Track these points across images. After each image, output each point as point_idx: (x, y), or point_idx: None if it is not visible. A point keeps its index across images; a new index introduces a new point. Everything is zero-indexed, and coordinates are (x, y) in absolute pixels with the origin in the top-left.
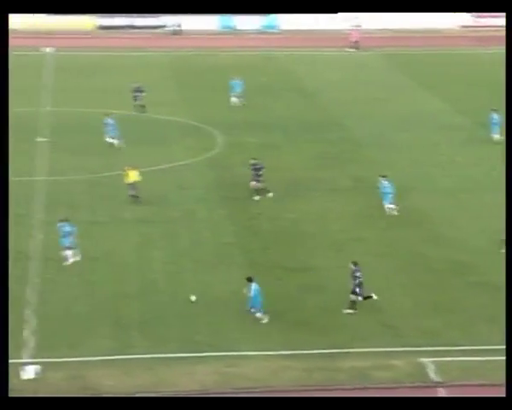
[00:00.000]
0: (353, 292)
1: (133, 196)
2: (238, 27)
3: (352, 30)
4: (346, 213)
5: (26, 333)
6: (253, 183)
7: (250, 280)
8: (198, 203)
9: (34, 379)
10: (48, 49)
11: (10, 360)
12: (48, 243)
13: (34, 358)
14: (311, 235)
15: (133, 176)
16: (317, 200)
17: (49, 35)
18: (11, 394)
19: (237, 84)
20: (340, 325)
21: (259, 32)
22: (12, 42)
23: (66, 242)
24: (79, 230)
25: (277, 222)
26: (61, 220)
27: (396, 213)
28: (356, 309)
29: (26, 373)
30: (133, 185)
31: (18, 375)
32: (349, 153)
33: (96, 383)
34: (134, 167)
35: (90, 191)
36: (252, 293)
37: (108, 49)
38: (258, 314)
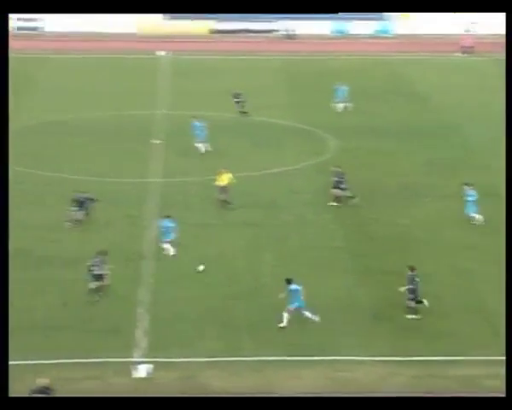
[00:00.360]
0: (410, 298)
1: (223, 200)
2: (351, 32)
3: (465, 35)
4: (457, 219)
5: (138, 333)
6: (335, 190)
7: (289, 282)
8: (308, 207)
9: (145, 379)
10: (163, 53)
11: (122, 359)
12: (157, 241)
13: (146, 357)
14: (424, 241)
15: (225, 179)
16: (429, 206)
17: (165, 39)
18: (123, 393)
19: (342, 89)
20: (451, 332)
21: (372, 37)
22: (129, 45)
23: (167, 237)
24: (191, 232)
25: (389, 228)
26: (163, 217)
27: (478, 222)
28: (418, 314)
29: (138, 372)
30: (224, 189)
31: (130, 374)
32: (461, 158)
33: (206, 384)
34: (227, 171)
35: (202, 194)
36: (291, 296)
37: (222, 52)
38: (286, 314)
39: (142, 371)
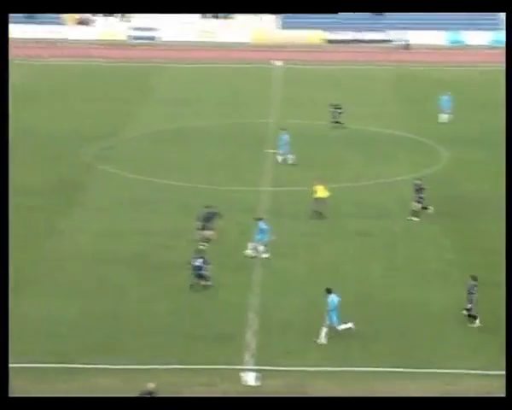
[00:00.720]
0: (467, 308)
1: (316, 211)
2: (467, 43)
3: None
4: None
5: (248, 340)
6: (415, 203)
7: (329, 292)
8: (418, 218)
9: (254, 386)
10: (277, 63)
11: (231, 366)
12: (270, 252)
13: (254, 365)
14: None
15: (320, 191)
16: None
17: (278, 49)
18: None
19: (446, 99)
20: None
21: (490, 48)
22: (243, 55)
23: (261, 238)
24: (300, 240)
25: (500, 240)
26: (256, 219)
27: None
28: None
29: (247, 379)
30: (319, 201)
31: (239, 380)
32: None
33: (312, 393)
34: (321, 183)
35: (312, 203)
36: (328, 306)
37: (336, 62)
38: (324, 329)
39: (251, 378)
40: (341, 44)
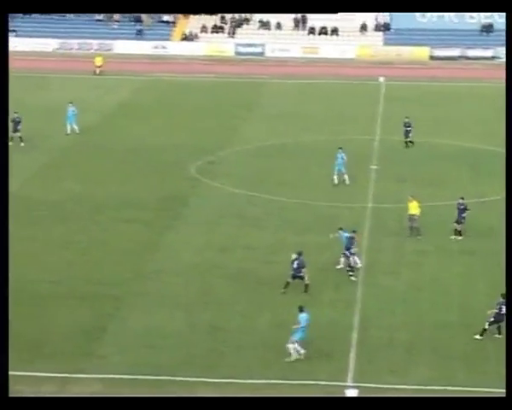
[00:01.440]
0: (490, 322)
1: (411, 227)
2: None
3: None
4: None
5: (349, 357)
6: (455, 224)
7: (301, 310)
8: None
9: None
10: (381, 79)
11: (333, 382)
12: (368, 267)
13: (355, 382)
14: None
15: (412, 208)
16: None
17: (383, 65)
18: None
19: None
20: None
21: None
22: (348, 71)
23: (348, 249)
24: (405, 258)
25: None
26: (340, 229)
27: None
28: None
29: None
30: (412, 218)
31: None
32: None
33: None
34: (415, 199)
35: (419, 220)
36: (301, 324)
37: (440, 79)
38: (291, 346)
39: (352, 395)
40: (446, 61)
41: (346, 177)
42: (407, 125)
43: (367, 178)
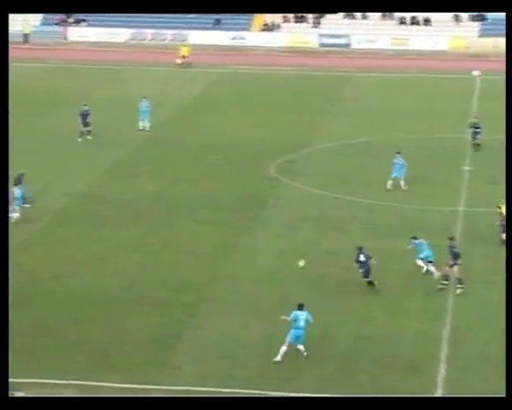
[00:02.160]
0: None
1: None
2: None
3: None
4: None
5: (437, 371)
6: (502, 234)
7: (300, 308)
8: None
9: None
10: (476, 73)
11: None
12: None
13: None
14: None
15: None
16: None
17: (479, 58)
18: None
19: None
20: None
21: None
22: (439, 64)
23: (421, 255)
24: (497, 266)
25: None
26: (413, 237)
27: None
28: None
29: None
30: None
31: None
32: None
33: None
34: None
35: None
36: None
37: None
38: (284, 348)
39: None
40: None
41: (402, 183)
42: (475, 126)
43: (459, 180)
